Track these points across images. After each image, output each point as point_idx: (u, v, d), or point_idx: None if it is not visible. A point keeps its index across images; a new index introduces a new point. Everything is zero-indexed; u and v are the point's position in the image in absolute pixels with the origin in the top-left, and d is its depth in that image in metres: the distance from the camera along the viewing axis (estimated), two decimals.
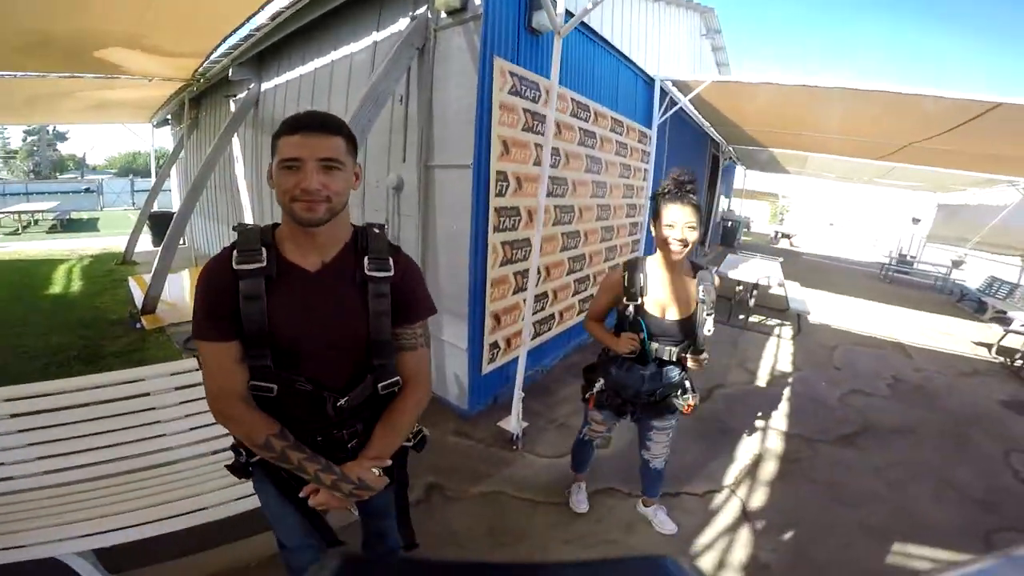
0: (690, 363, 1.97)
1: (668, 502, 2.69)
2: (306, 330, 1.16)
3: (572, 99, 4.13)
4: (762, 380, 4.72)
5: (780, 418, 3.90)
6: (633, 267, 2.00)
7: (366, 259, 1.21)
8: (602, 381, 2.17)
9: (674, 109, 6.03)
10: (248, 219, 6.33)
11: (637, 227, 6.13)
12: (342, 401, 1.21)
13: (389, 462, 1.28)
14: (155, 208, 9.58)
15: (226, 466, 1.32)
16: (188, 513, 1.88)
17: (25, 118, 12.36)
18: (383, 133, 3.68)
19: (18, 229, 14.54)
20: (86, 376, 2.18)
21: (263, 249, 1.13)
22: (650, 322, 1.96)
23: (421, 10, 3.30)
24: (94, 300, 6.34)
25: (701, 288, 1.88)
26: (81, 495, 1.99)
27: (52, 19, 3.43)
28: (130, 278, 6.98)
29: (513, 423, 3.20)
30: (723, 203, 15.48)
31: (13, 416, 2.01)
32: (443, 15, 3.17)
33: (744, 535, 2.53)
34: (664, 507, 2.58)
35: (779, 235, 20.35)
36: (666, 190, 1.88)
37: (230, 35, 4.26)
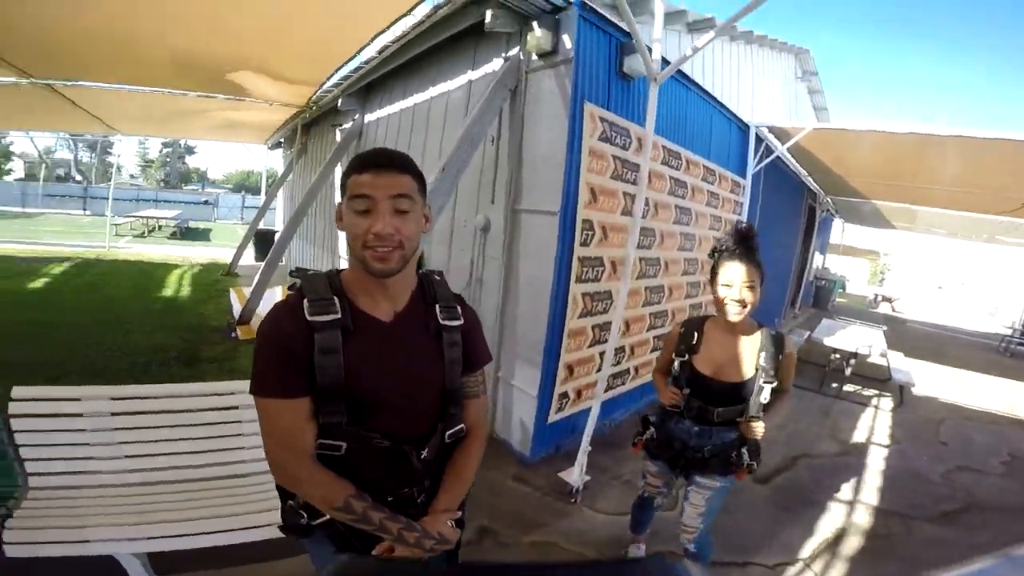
0: (744, 429, 1.89)
1: (733, 572, 2.52)
2: (383, 382, 1.12)
3: (663, 147, 4.06)
4: (854, 451, 4.30)
5: (871, 492, 3.55)
6: (691, 324, 1.99)
7: (437, 308, 1.21)
8: (652, 429, 2.14)
9: (770, 158, 5.77)
10: (344, 247, 6.68)
11: None
12: (424, 454, 1.19)
13: (460, 513, 1.25)
14: (261, 225, 10.42)
15: (279, 527, 1.23)
16: (249, 528, 1.94)
17: (165, 131, 13.94)
18: (474, 173, 3.75)
19: (144, 232, 16.34)
20: (183, 384, 2.34)
21: (335, 299, 1.09)
22: (697, 380, 1.91)
23: (513, 51, 3.37)
24: (199, 307, 6.94)
25: (763, 355, 1.83)
26: (152, 496, 2.11)
27: (195, 39, 3.81)
28: (231, 289, 7.47)
29: (575, 475, 3.10)
30: (817, 260, 14.48)
31: (113, 415, 2.16)
32: (535, 57, 3.21)
33: None
34: None
35: (879, 298, 18.71)
36: (724, 246, 1.81)
37: (342, 66, 4.56)
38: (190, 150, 41.63)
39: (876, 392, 6.19)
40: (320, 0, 3.10)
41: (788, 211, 8.79)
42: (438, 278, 1.27)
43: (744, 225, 1.82)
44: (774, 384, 1.85)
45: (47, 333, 5.20)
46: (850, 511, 3.27)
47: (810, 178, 8.66)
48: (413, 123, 4.87)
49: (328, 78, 5.13)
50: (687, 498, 2.11)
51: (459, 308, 1.25)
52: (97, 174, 31.73)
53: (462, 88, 4.01)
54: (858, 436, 4.68)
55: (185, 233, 17.35)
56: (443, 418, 1.24)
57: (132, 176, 40.97)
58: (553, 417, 3.49)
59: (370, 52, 4.68)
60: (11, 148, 32.20)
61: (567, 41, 3.04)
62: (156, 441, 2.22)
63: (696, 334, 1.93)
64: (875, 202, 9.47)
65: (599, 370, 3.12)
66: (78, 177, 32.69)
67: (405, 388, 1.15)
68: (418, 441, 1.19)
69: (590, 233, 3.36)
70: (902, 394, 5.90)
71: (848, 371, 6.64)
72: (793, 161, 7.28)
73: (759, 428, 1.86)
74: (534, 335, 3.36)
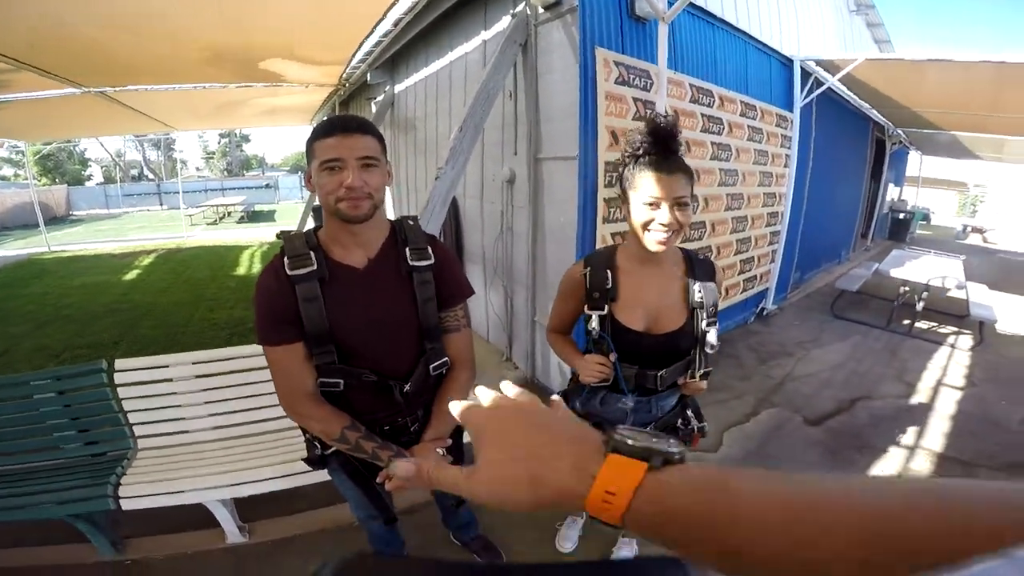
0: (692, 388, 1.51)
1: None
2: (363, 324, 1.24)
3: (691, 85, 3.88)
4: (921, 395, 4.04)
5: (935, 437, 3.36)
6: (598, 262, 1.46)
7: (407, 250, 1.28)
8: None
9: (820, 90, 5.39)
10: (390, 211, 6.91)
11: (777, 217, 5.62)
12: (407, 387, 1.30)
13: (450, 441, 1.38)
14: (316, 202, 10.88)
15: (302, 459, 1.46)
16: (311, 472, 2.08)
17: (216, 123, 14.54)
18: (496, 129, 3.80)
19: (216, 220, 17.44)
20: (252, 345, 2.46)
21: (311, 253, 1.20)
22: (625, 339, 1.42)
23: (520, 7, 3.35)
24: None
25: (697, 287, 1.40)
26: (233, 448, 2.33)
27: (223, 35, 3.99)
28: None
29: None
30: (892, 192, 13.56)
31: (197, 377, 2.38)
32: (541, 10, 3.19)
33: None
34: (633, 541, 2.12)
35: (968, 229, 17.27)
36: (640, 149, 1.31)
37: (363, 42, 4.65)
38: (246, 138, 42.80)
39: (954, 329, 5.71)
40: None
41: (850, 144, 8.21)
42: (411, 223, 1.34)
43: (665, 119, 1.31)
44: (717, 323, 1.43)
45: (147, 315, 5.96)
46: (908, 457, 3.11)
47: (875, 111, 8.07)
48: (438, 88, 4.93)
49: (353, 55, 5.22)
50: None
51: (430, 248, 1.31)
52: (166, 170, 33.52)
53: (477, 49, 4.03)
54: (928, 378, 4.38)
55: (252, 216, 18.38)
56: (424, 353, 1.33)
57: (197, 169, 43.14)
58: None
59: (386, 25, 4.75)
60: (86, 155, 34.73)
61: None
62: (235, 399, 2.42)
63: (609, 275, 1.42)
64: (955, 133, 8.73)
65: None
66: (150, 175, 34.91)
67: (381, 328, 1.26)
68: (404, 376, 1.31)
69: (615, 175, 3.31)
70: (982, 331, 5.39)
71: (919, 306, 6.03)
72: (851, 94, 6.80)
73: (704, 381, 1.49)
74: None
